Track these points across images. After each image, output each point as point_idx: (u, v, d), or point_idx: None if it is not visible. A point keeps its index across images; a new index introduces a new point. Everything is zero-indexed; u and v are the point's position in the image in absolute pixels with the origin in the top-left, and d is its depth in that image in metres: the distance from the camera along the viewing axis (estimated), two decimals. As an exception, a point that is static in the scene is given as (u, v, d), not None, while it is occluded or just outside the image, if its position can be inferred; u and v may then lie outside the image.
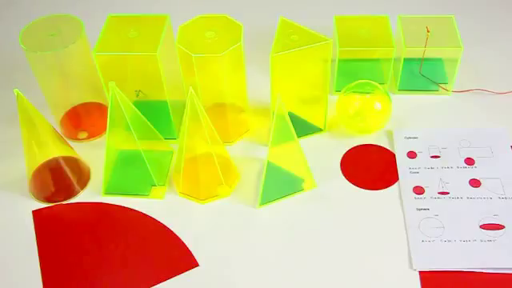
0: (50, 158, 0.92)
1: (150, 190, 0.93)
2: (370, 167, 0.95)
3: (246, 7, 1.24)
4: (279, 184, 0.91)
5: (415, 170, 0.94)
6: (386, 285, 0.81)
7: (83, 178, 0.95)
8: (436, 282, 0.81)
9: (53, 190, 0.94)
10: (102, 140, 1.00)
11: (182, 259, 0.85)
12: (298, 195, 0.92)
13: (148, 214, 0.90)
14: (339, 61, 1.03)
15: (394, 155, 0.96)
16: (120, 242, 0.87)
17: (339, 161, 0.96)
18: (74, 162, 0.95)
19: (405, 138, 0.99)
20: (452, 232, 0.86)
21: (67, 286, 0.83)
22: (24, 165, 0.91)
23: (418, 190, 0.91)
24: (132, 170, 0.95)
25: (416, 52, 1.02)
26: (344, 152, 0.98)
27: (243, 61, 0.92)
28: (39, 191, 0.93)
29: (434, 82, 1.06)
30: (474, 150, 0.96)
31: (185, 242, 0.87)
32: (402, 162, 0.95)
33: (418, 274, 0.82)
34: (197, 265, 0.84)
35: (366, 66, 1.08)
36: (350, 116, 0.97)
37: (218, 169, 0.89)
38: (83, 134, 1.02)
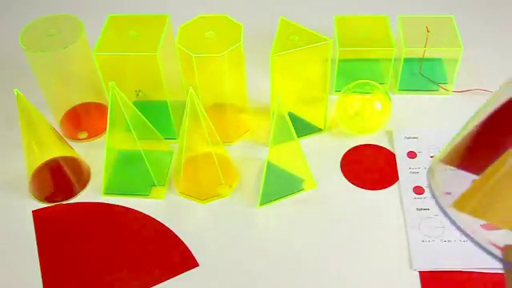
0: (50, 158, 0.92)
1: (150, 190, 0.93)
2: (370, 167, 0.95)
3: (246, 7, 1.23)
4: (279, 184, 0.91)
5: (415, 170, 0.94)
6: (386, 285, 0.81)
7: (83, 177, 0.95)
8: (436, 281, 0.81)
9: (53, 190, 0.94)
10: (102, 140, 1.00)
11: (182, 259, 0.85)
12: (297, 195, 0.92)
13: (148, 213, 0.90)
14: (339, 61, 1.02)
15: (394, 155, 0.96)
16: (120, 242, 0.87)
17: (339, 161, 0.96)
18: (74, 162, 0.95)
19: (405, 137, 0.99)
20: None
21: (67, 286, 0.83)
22: (24, 165, 0.91)
23: (418, 190, 0.91)
24: (132, 170, 0.95)
25: (416, 52, 1.02)
26: (344, 152, 0.97)
27: (243, 61, 0.92)
28: (39, 191, 0.93)
29: (434, 82, 1.06)
30: (473, 149, 0.96)
31: (185, 241, 0.87)
32: (402, 162, 0.95)
33: (417, 273, 0.82)
34: (197, 265, 0.84)
35: (366, 65, 1.08)
36: (350, 116, 0.97)
37: (218, 169, 0.89)
38: (83, 134, 1.02)
